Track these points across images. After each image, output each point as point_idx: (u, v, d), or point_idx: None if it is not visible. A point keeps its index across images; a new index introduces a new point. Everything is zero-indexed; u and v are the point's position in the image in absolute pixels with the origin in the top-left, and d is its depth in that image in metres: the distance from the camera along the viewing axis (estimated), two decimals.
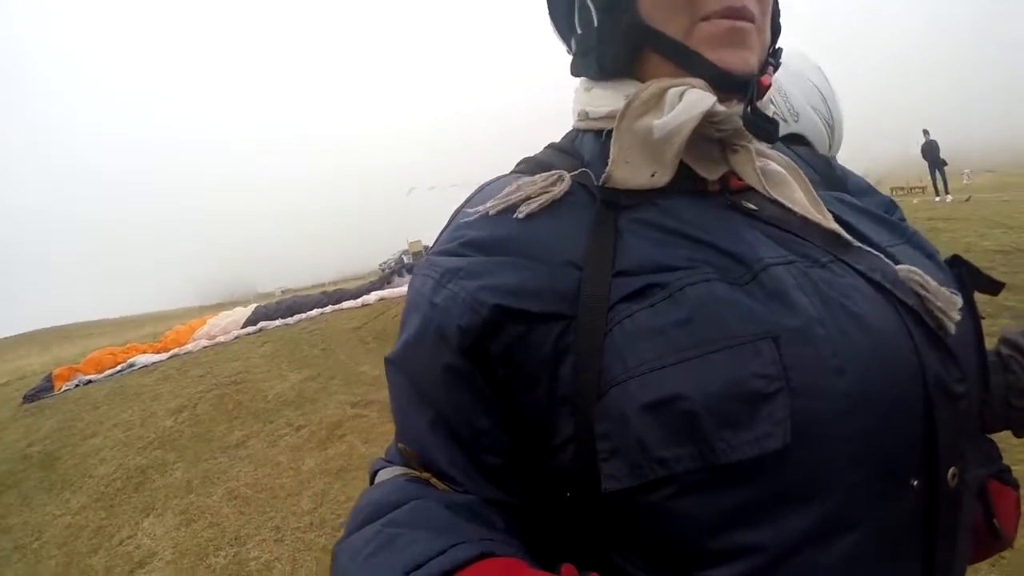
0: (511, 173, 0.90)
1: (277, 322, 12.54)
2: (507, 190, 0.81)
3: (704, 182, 0.82)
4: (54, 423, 8.79)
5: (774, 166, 0.84)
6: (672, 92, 0.78)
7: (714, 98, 0.76)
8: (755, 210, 0.80)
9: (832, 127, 1.82)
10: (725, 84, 0.78)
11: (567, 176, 0.82)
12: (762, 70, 0.83)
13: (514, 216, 0.79)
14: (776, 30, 0.88)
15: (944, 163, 23.51)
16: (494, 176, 0.92)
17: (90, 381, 10.84)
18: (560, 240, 0.77)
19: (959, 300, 0.77)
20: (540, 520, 0.79)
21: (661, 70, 0.81)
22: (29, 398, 10.32)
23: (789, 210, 0.80)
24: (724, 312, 0.68)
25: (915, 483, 0.70)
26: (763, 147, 0.85)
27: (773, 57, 0.87)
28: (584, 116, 0.91)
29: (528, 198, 0.80)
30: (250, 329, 12.43)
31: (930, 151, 23.39)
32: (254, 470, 6.26)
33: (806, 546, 0.66)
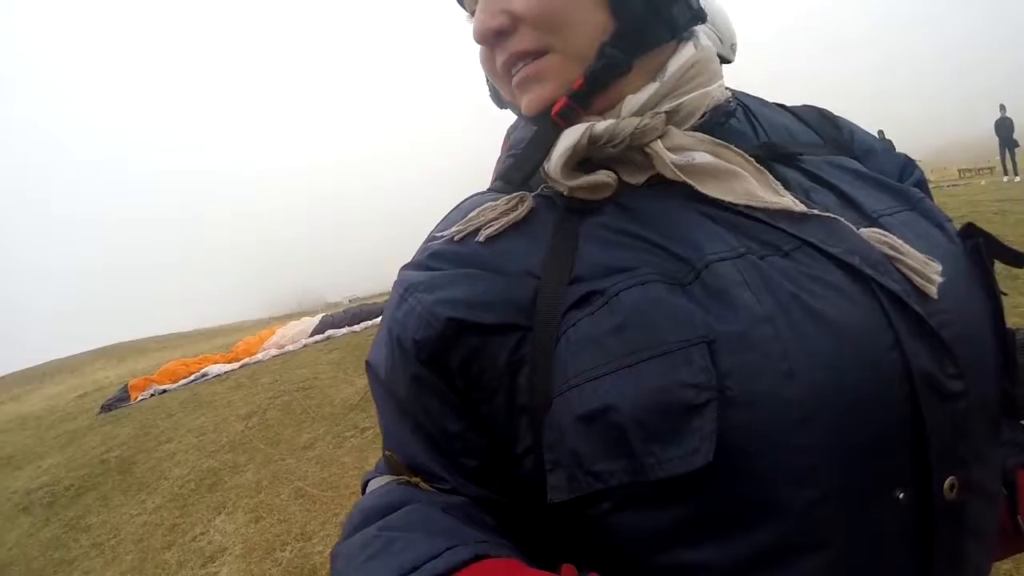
0: (488, 189, 0.91)
1: (344, 330, 12.67)
2: (470, 215, 0.81)
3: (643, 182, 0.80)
4: (130, 430, 9.02)
5: (702, 157, 0.76)
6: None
7: (576, 135, 0.76)
8: (720, 198, 0.76)
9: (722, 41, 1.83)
10: (538, 123, 0.81)
11: (529, 197, 0.81)
12: (573, 84, 0.77)
13: (475, 240, 0.79)
14: (629, 15, 0.77)
15: (1016, 144, 22.51)
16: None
17: (165, 391, 11.08)
18: (522, 250, 0.78)
19: (937, 265, 0.70)
20: (530, 520, 0.78)
21: None
22: (106, 408, 10.61)
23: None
24: (657, 317, 0.66)
25: (901, 496, 0.65)
26: (683, 137, 0.77)
27: (616, 46, 0.76)
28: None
29: (489, 222, 0.79)
30: (318, 338, 12.57)
31: (1003, 128, 22.43)
32: (320, 470, 6.34)
33: (761, 568, 0.63)
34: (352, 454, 6.54)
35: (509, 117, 0.98)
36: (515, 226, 0.79)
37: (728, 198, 0.75)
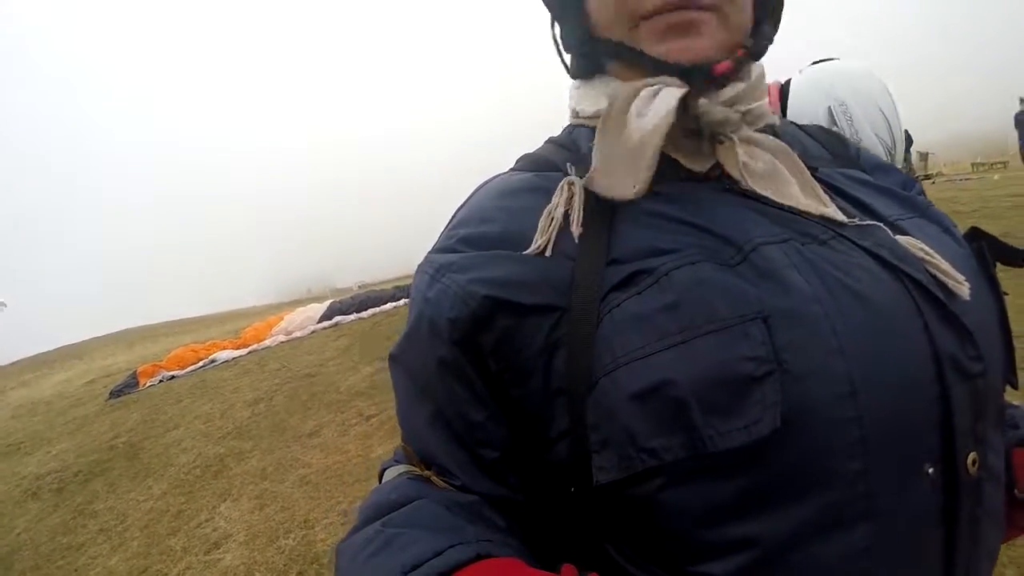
0: (510, 170, 0.90)
1: (352, 316, 12.72)
2: (541, 226, 0.77)
3: (705, 170, 0.80)
4: (138, 416, 9.10)
5: (762, 157, 0.79)
6: (645, 93, 0.76)
7: (679, 94, 0.74)
8: (753, 191, 0.78)
9: (892, 156, 1.82)
10: (672, 74, 0.76)
11: (577, 181, 0.79)
12: (732, 53, 0.78)
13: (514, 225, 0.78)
14: (775, 7, 0.85)
15: None
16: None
17: (173, 377, 11.18)
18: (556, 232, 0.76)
19: (962, 276, 0.73)
20: (542, 518, 0.78)
21: (625, 70, 0.81)
22: (115, 394, 10.70)
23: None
24: (711, 295, 0.66)
25: (931, 470, 0.67)
26: (754, 134, 0.80)
27: (760, 36, 0.82)
28: (575, 114, 0.91)
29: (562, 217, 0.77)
30: (325, 324, 12.64)
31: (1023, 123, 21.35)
32: (325, 457, 6.38)
33: (807, 540, 0.64)
34: (356, 442, 6.57)
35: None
36: (546, 207, 0.78)
37: (775, 198, 0.77)
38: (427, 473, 0.80)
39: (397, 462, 0.86)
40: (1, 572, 5.83)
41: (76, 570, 5.49)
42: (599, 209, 0.77)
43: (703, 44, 0.75)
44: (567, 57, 0.91)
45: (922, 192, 0.98)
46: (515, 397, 0.75)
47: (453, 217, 0.87)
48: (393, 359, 0.86)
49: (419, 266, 0.84)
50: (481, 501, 0.76)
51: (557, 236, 0.76)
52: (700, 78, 0.76)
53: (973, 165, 32.35)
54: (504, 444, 0.77)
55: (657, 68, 0.76)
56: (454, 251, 0.80)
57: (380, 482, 0.85)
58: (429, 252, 0.84)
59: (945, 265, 0.73)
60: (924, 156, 32.98)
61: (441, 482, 0.79)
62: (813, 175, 0.83)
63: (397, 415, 0.87)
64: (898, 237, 0.75)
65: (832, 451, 0.63)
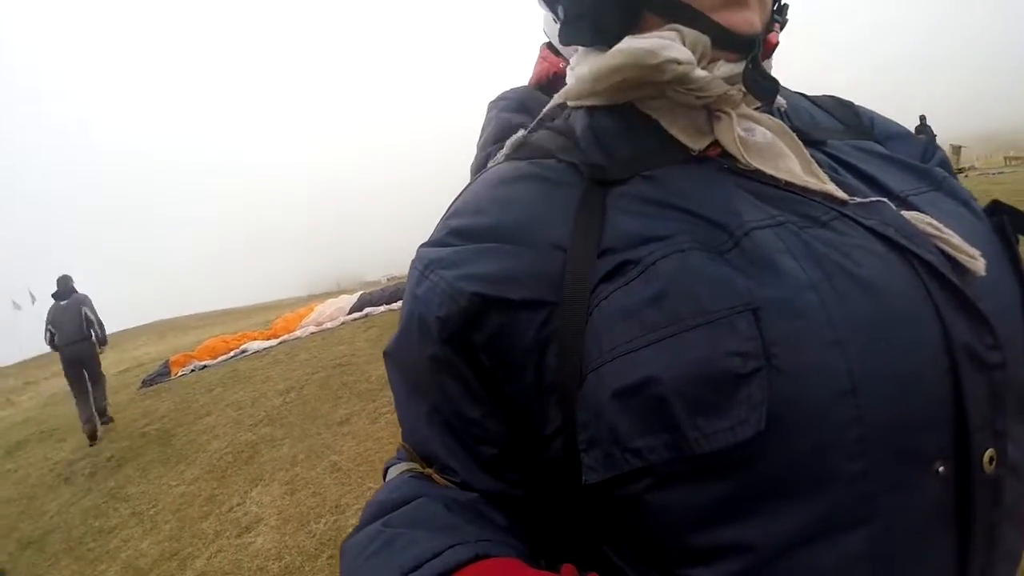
0: (506, 158, 0.87)
1: (382, 308, 12.81)
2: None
3: (703, 148, 0.77)
4: (170, 404, 9.25)
5: (762, 132, 0.76)
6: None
7: (683, 50, 0.70)
8: (751, 167, 0.73)
9: None
10: (729, 43, 0.72)
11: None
12: (769, 28, 0.76)
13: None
14: None
15: None
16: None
17: (204, 366, 11.33)
18: (547, 223, 0.74)
19: (976, 250, 0.68)
20: (543, 514, 0.76)
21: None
22: (147, 383, 10.89)
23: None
24: (698, 285, 0.63)
25: (941, 469, 0.62)
26: (752, 112, 0.77)
27: (779, 14, 0.80)
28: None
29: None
30: (355, 315, 12.74)
31: None
32: (356, 445, 6.42)
33: (804, 545, 0.60)
34: (387, 429, 6.60)
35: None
36: (541, 194, 0.76)
37: (774, 173, 0.72)
38: (428, 471, 0.78)
39: (400, 460, 0.83)
40: (34, 554, 5.92)
41: (108, 552, 5.57)
42: (591, 197, 0.74)
43: (754, 16, 0.72)
44: (578, 22, 0.83)
45: (944, 158, 0.93)
46: (509, 393, 0.72)
47: (448, 208, 0.85)
48: (387, 356, 0.84)
49: (412, 260, 0.82)
50: (481, 498, 0.75)
51: (549, 227, 0.73)
52: (750, 47, 0.72)
53: (1006, 159, 31.72)
54: (502, 440, 0.75)
55: (712, 31, 0.72)
56: (445, 244, 0.78)
57: (384, 480, 0.83)
58: (421, 245, 0.82)
59: (957, 240, 0.67)
60: (957, 149, 32.50)
61: (442, 479, 0.77)
62: (822, 148, 0.81)
63: (396, 412, 0.85)
64: (904, 212, 0.70)
65: (829, 452, 0.59)
